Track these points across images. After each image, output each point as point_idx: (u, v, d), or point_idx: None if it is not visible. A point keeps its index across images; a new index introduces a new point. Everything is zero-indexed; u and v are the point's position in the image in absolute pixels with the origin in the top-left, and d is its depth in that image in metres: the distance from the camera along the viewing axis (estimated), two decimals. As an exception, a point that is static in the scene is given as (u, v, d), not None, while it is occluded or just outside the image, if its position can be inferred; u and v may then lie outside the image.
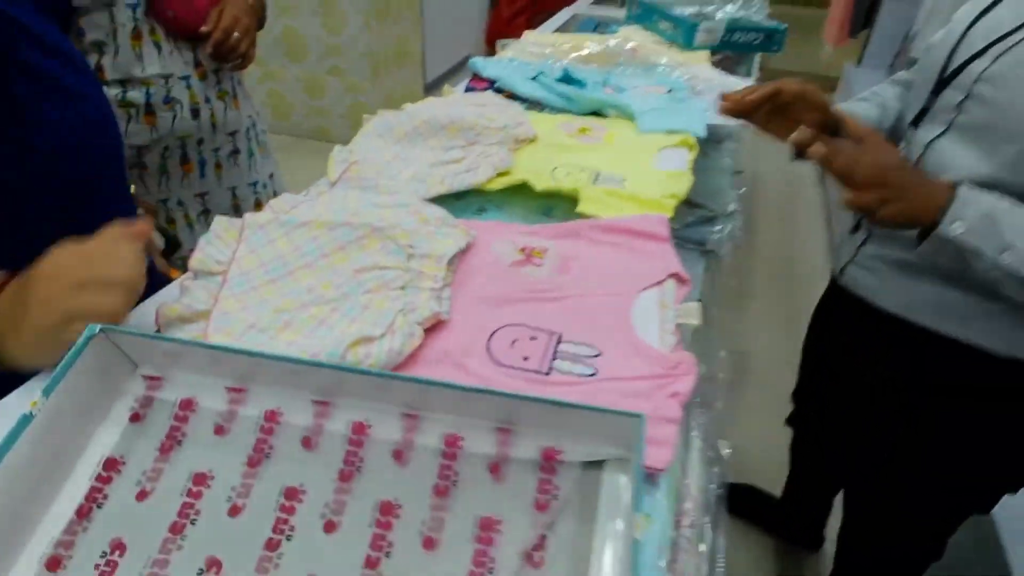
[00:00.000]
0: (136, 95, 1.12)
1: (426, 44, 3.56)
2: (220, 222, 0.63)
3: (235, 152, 1.33)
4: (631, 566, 0.31)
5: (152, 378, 0.42)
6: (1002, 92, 0.69)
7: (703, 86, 1.13)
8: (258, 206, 1.41)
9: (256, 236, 0.61)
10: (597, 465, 0.37)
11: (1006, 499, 0.94)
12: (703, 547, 0.45)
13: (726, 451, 0.55)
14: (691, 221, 1.21)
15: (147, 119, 1.15)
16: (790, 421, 1.32)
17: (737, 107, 0.87)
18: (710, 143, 1.13)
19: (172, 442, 0.39)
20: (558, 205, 0.80)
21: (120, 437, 0.40)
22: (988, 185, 0.69)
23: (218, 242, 0.62)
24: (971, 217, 0.65)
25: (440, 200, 0.75)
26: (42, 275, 0.46)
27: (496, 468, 0.38)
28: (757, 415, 1.90)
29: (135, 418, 0.40)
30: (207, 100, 1.22)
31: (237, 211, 1.38)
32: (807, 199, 3.02)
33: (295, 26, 3.03)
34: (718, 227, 1.20)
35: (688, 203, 1.07)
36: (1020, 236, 0.64)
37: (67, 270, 0.46)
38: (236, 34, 1.14)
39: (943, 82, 0.77)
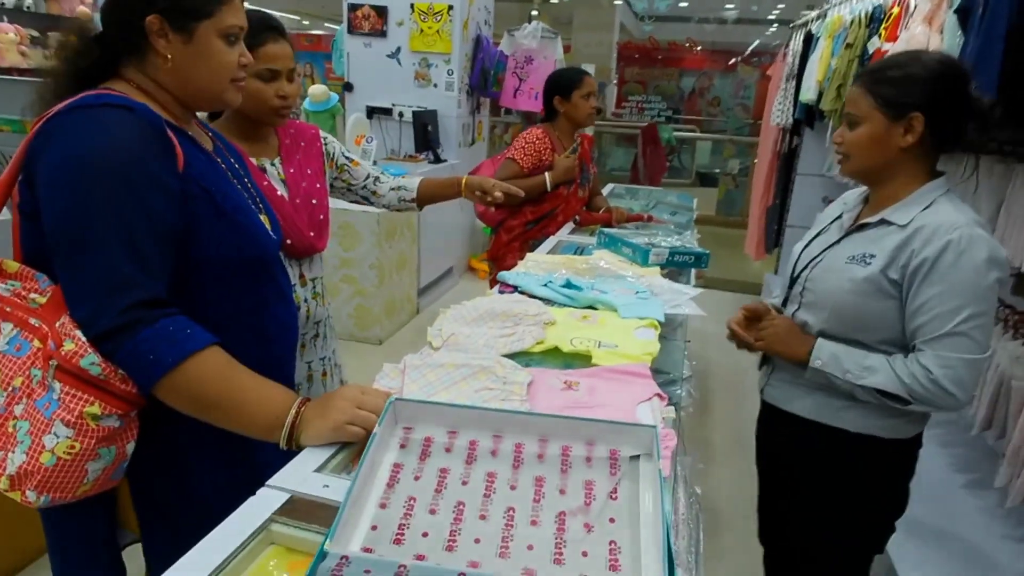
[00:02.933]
0: (264, 298, 1.57)
1: (421, 257, 4.24)
2: (387, 367, 1.06)
3: (316, 336, 1.76)
4: (661, 496, 0.71)
5: (407, 427, 0.82)
6: (816, 286, 1.30)
7: (658, 289, 1.67)
8: (324, 375, 1.80)
9: (414, 372, 1.04)
10: (636, 457, 0.78)
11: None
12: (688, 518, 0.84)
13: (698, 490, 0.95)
14: (661, 383, 1.69)
15: (268, 314, 1.59)
16: (760, 536, 1.65)
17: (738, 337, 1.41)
18: (668, 328, 1.63)
19: (425, 455, 0.78)
20: (574, 361, 1.25)
21: (396, 454, 0.78)
22: (821, 330, 1.27)
23: (387, 379, 1.05)
24: (825, 356, 1.23)
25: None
26: (339, 395, 0.88)
27: (589, 460, 0.77)
28: (729, 560, 2.19)
29: (402, 446, 0.80)
30: (305, 300, 1.68)
31: (310, 380, 1.76)
32: (751, 377, 3.55)
33: (317, 244, 3.66)
34: (679, 388, 1.67)
35: (655, 371, 1.54)
36: (853, 365, 1.20)
37: (353, 398, 0.88)
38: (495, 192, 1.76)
39: (793, 281, 1.37)
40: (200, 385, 0.85)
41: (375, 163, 4.00)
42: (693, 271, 2.10)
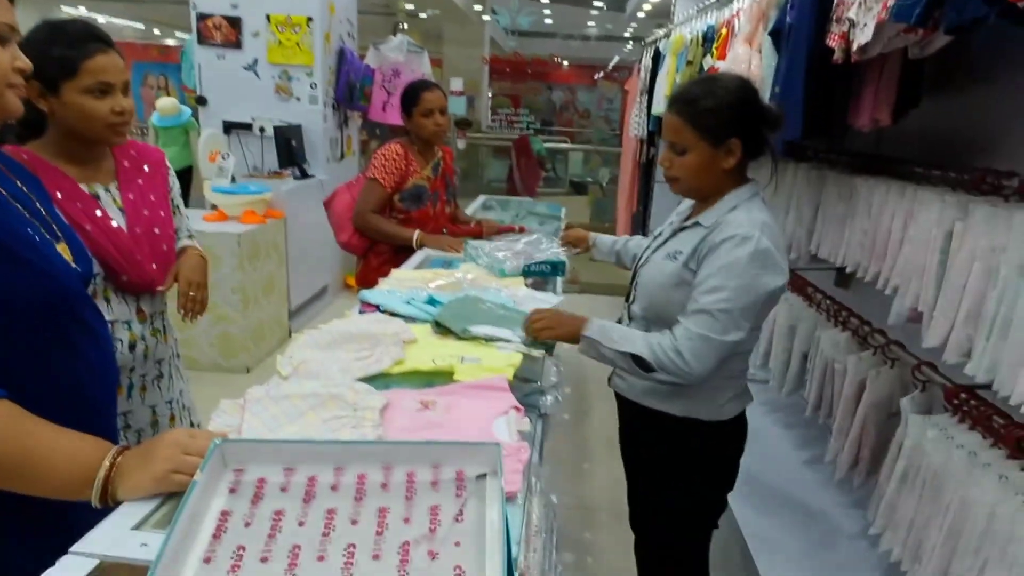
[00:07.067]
0: (87, 336, 1.40)
1: (290, 278, 4.04)
2: (225, 403, 0.99)
3: (159, 376, 1.59)
4: (503, 515, 0.70)
5: (238, 470, 0.75)
6: (641, 280, 1.42)
7: (520, 300, 1.70)
8: (171, 419, 1.64)
9: (255, 407, 0.97)
10: (483, 476, 0.77)
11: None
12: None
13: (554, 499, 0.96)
14: (528, 392, 1.71)
15: (94, 353, 1.42)
16: (631, 524, 1.70)
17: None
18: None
19: (257, 498, 0.71)
20: (438, 379, 1.23)
21: (225, 500, 0.71)
22: (643, 316, 1.40)
23: (225, 415, 0.97)
24: (595, 328, 1.34)
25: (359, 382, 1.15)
26: (163, 441, 0.79)
27: (435, 484, 0.75)
28: (608, 554, 2.25)
29: (232, 490, 0.73)
30: (143, 337, 1.51)
31: (155, 426, 1.59)
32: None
33: (170, 270, 3.36)
34: (548, 397, 1.70)
35: (524, 380, 1.56)
36: (618, 335, 1.31)
37: (179, 442, 0.80)
38: (192, 293, 1.51)
39: (632, 278, 1.48)
40: None
41: (234, 180, 3.77)
42: (559, 280, 2.16)
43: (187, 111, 4.91)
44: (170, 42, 10.57)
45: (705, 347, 1.21)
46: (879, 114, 1.51)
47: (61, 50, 1.28)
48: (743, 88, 1.28)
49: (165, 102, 4.85)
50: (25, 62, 0.94)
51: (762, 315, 1.27)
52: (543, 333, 1.39)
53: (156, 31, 12.69)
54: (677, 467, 1.41)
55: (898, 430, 1.36)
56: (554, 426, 1.94)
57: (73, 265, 1.03)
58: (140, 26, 12.23)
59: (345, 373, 1.18)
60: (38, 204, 1.04)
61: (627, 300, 1.52)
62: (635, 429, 1.51)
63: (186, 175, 5.13)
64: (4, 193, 0.94)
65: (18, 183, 1.02)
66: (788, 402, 2.12)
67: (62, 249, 1.02)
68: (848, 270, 1.64)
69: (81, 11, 11.75)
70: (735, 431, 1.42)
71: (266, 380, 1.14)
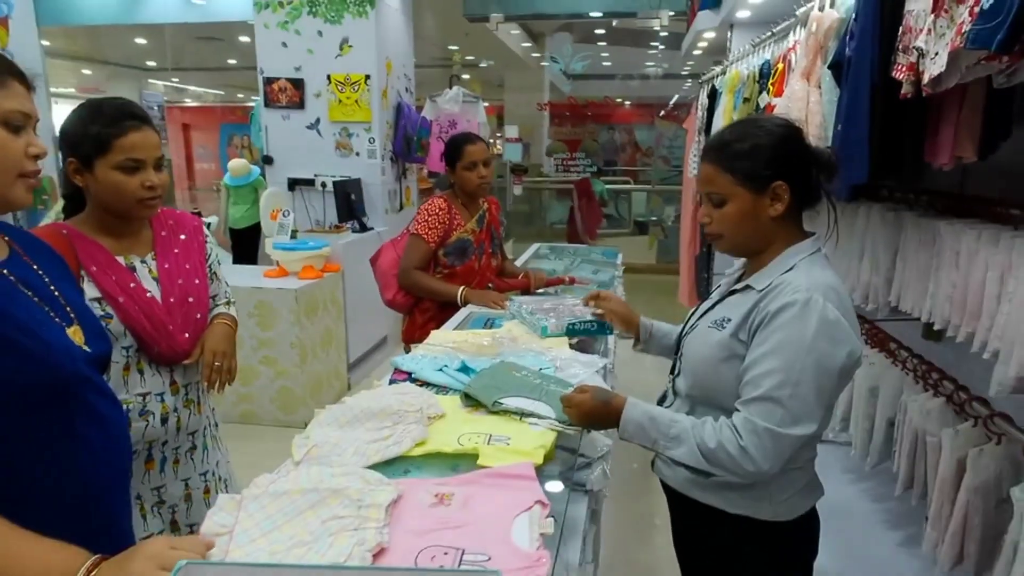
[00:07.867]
0: (118, 412, 1.38)
1: (348, 331, 4.07)
2: (223, 498, 0.91)
3: (192, 448, 1.55)
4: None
5: (207, 596, 0.67)
6: (687, 351, 1.26)
7: (563, 363, 1.57)
8: (206, 492, 1.60)
9: (252, 505, 0.89)
10: (482, 610, 0.65)
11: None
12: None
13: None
14: (574, 466, 1.58)
15: (124, 429, 1.40)
16: None
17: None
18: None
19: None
20: (463, 461, 1.13)
21: (190, 635, 0.64)
22: (688, 395, 1.23)
23: (222, 512, 0.89)
24: (631, 428, 1.15)
25: (376, 466, 1.06)
26: (141, 552, 0.73)
27: (424, 619, 0.65)
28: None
29: (198, 622, 0.65)
30: (175, 409, 1.48)
31: (188, 500, 1.55)
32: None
33: (231, 326, 3.45)
34: (596, 470, 1.56)
35: (571, 451, 1.43)
36: (660, 435, 1.13)
37: (157, 555, 0.73)
38: (217, 363, 1.49)
39: (677, 347, 1.33)
40: None
41: (294, 236, 3.87)
42: (611, 339, 2.02)
43: (256, 170, 5.15)
44: (251, 104, 11.30)
45: (774, 443, 1.03)
46: (962, 151, 1.32)
47: (98, 128, 1.32)
48: (783, 126, 1.14)
49: (236, 163, 5.11)
50: (40, 147, 0.94)
51: (835, 397, 1.09)
52: (576, 422, 1.23)
53: (240, 95, 13.62)
54: (731, 571, 1.21)
55: (1012, 525, 1.13)
56: (617, 479, 1.76)
57: (84, 347, 1.00)
58: (221, 92, 13.18)
59: (360, 456, 1.09)
60: (52, 287, 1.02)
61: (671, 373, 1.36)
62: (681, 520, 1.32)
63: (256, 231, 5.34)
64: (12, 278, 0.93)
65: (35, 267, 1.01)
66: (874, 471, 1.87)
67: (73, 332, 1.00)
68: (936, 327, 1.43)
69: (173, 82, 12.79)
70: (801, 534, 1.19)
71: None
